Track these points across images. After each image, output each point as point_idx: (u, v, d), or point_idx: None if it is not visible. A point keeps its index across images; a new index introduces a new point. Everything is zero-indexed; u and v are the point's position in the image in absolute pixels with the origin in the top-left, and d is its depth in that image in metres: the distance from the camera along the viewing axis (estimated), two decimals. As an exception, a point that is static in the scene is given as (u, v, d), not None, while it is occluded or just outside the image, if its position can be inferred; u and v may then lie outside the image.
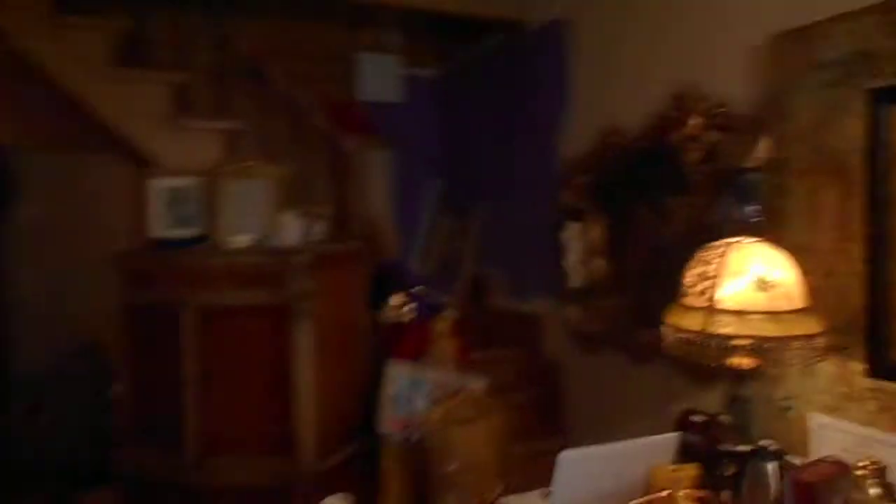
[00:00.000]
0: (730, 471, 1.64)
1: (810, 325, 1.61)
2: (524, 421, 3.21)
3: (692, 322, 1.67)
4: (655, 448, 1.64)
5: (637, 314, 2.86)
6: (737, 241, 1.72)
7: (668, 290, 2.79)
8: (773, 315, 1.60)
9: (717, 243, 1.74)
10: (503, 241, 3.75)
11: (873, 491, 1.56)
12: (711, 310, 1.65)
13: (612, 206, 3.00)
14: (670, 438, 1.68)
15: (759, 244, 1.71)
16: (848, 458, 1.81)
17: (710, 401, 2.41)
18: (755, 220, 2.60)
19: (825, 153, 1.92)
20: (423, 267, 4.25)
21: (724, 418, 1.95)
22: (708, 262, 1.70)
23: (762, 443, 1.55)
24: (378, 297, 2.84)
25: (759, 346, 1.62)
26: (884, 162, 1.50)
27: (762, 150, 2.63)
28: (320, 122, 3.49)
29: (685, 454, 1.79)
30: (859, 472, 1.55)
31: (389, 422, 2.56)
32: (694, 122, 2.44)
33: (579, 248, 3.07)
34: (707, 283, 1.68)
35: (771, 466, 1.52)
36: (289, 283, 2.49)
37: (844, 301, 1.86)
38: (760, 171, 2.62)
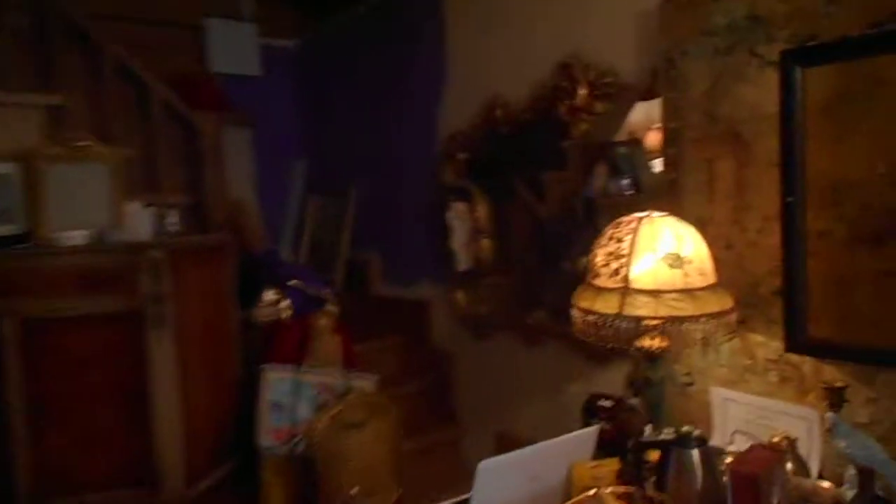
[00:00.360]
0: (650, 460, 1.54)
1: (724, 301, 1.54)
2: (414, 413, 3.04)
3: (607, 305, 1.55)
4: (574, 445, 1.52)
5: (525, 295, 2.77)
6: (647, 216, 1.61)
7: (551, 269, 2.75)
8: (688, 293, 1.52)
9: (627, 218, 1.63)
10: (382, 223, 3.53)
11: (788, 466, 1.54)
12: (627, 290, 1.53)
13: (494, 184, 2.87)
14: (588, 433, 1.56)
15: (667, 218, 1.61)
16: (752, 430, 1.81)
17: (609, 380, 2.36)
18: (629, 193, 2.59)
19: (720, 121, 1.87)
20: (295, 256, 3.93)
21: (633, 401, 1.88)
22: (619, 240, 1.58)
23: (685, 429, 1.46)
24: (248, 294, 2.51)
25: (675, 326, 1.53)
26: (797, 126, 1.45)
27: (634, 122, 2.62)
28: (167, 97, 3.06)
29: (598, 444, 1.68)
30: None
31: (270, 433, 2.27)
32: (582, 92, 2.34)
33: (465, 228, 2.92)
34: (620, 262, 1.56)
35: (696, 454, 1.44)
36: (139, 285, 2.11)
37: (744, 273, 1.83)
38: (632, 145, 2.63)
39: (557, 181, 2.65)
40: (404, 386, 3.04)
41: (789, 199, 1.45)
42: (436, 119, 3.08)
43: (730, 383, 1.90)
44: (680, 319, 1.49)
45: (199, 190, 3.13)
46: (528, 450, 1.42)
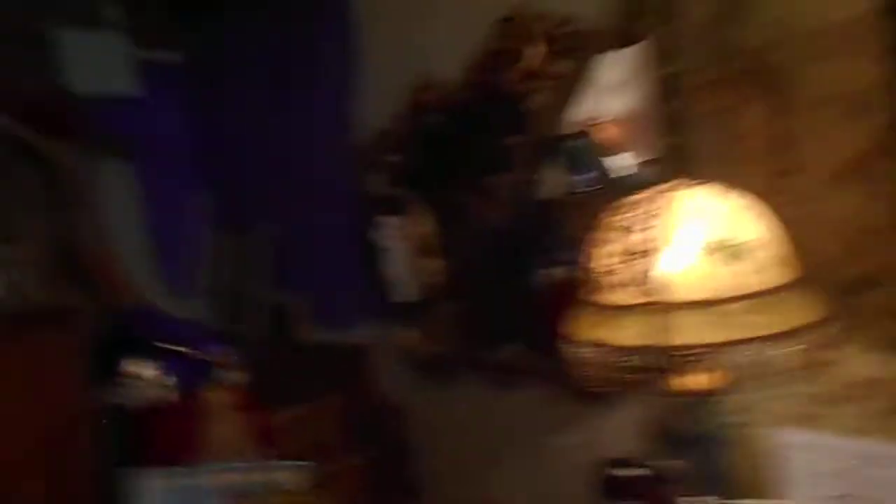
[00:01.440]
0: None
1: (815, 306, 0.98)
2: (362, 492, 2.38)
3: (633, 332, 0.96)
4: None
5: (489, 324, 2.18)
6: (670, 188, 1.05)
7: (518, 286, 2.20)
8: (760, 298, 0.95)
9: (641, 197, 1.05)
10: (305, 258, 2.88)
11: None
12: (665, 305, 0.95)
13: (435, 190, 2.29)
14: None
15: (707, 187, 1.05)
16: (856, 490, 1.25)
17: (615, 428, 1.77)
18: (593, 189, 2.10)
19: (739, 54, 1.35)
20: (203, 308, 3.24)
21: (670, 465, 1.29)
22: (640, 229, 1.01)
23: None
24: (112, 370, 1.81)
25: (747, 355, 0.95)
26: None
27: (584, 110, 2.14)
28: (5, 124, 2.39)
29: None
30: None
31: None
32: (534, 51, 1.78)
33: (404, 249, 2.31)
34: (645, 263, 0.98)
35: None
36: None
37: (803, 256, 1.29)
38: (584, 137, 2.15)
39: (506, 182, 2.14)
40: (346, 459, 2.38)
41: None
42: (353, 118, 2.48)
43: (797, 421, 1.34)
44: (760, 342, 0.92)
45: (60, 239, 2.45)
46: None
